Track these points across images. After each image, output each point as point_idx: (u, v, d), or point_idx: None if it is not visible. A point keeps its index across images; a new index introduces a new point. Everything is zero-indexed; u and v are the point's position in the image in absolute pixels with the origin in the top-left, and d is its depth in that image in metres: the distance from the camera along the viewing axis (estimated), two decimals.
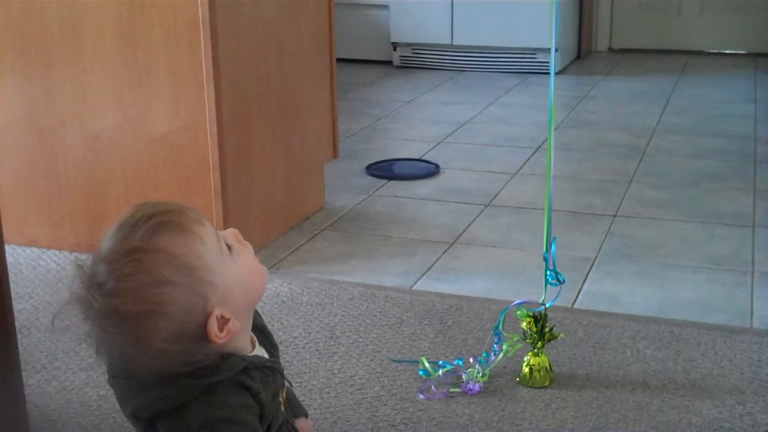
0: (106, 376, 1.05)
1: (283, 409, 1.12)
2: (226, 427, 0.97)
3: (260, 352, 1.10)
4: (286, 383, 1.22)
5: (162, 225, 0.97)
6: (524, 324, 1.63)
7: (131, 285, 0.94)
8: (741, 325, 1.88)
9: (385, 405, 1.57)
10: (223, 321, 0.99)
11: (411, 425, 1.51)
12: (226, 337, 0.99)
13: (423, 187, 2.85)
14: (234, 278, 1.01)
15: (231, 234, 1.06)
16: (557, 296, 1.69)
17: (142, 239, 0.96)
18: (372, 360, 1.73)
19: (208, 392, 0.97)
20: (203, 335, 0.98)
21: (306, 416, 1.30)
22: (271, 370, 1.06)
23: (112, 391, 1.05)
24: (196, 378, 0.98)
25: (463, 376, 1.63)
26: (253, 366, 1.02)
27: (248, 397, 1.00)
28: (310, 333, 1.84)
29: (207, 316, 0.98)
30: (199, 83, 2.05)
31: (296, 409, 1.27)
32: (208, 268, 0.98)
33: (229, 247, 1.03)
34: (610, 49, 5.33)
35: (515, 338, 1.67)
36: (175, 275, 0.96)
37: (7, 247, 1.34)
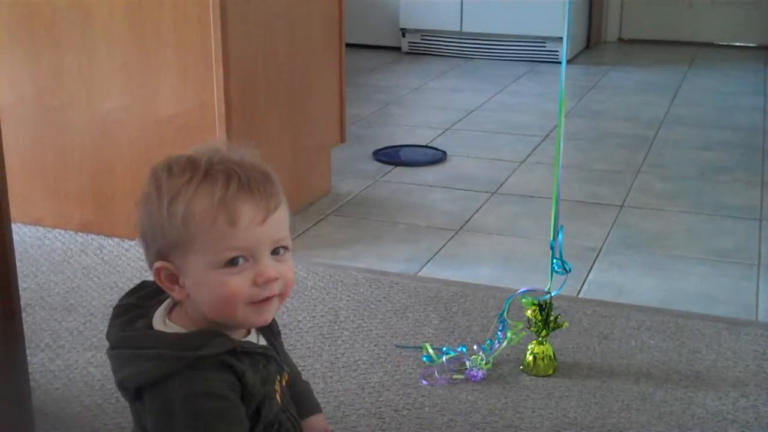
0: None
1: (279, 398, 1.09)
2: (207, 401, 0.97)
3: (255, 338, 1.08)
4: (302, 380, 1.23)
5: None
6: (529, 312, 1.63)
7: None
8: (746, 318, 1.88)
9: (388, 390, 1.57)
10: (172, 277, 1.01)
11: (414, 411, 1.51)
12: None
13: (430, 173, 2.85)
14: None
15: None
16: (563, 285, 1.69)
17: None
18: (376, 345, 1.73)
19: (191, 367, 0.98)
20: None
21: (319, 412, 1.28)
22: (264, 356, 1.05)
23: None
24: (181, 350, 0.98)
25: (467, 363, 1.63)
26: (241, 350, 1.01)
27: (231, 375, 1.00)
28: (314, 317, 1.84)
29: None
30: (207, 64, 2.04)
31: (309, 404, 1.24)
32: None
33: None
34: (620, 40, 5.31)
35: (520, 326, 1.66)
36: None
37: (12, 226, 1.34)
